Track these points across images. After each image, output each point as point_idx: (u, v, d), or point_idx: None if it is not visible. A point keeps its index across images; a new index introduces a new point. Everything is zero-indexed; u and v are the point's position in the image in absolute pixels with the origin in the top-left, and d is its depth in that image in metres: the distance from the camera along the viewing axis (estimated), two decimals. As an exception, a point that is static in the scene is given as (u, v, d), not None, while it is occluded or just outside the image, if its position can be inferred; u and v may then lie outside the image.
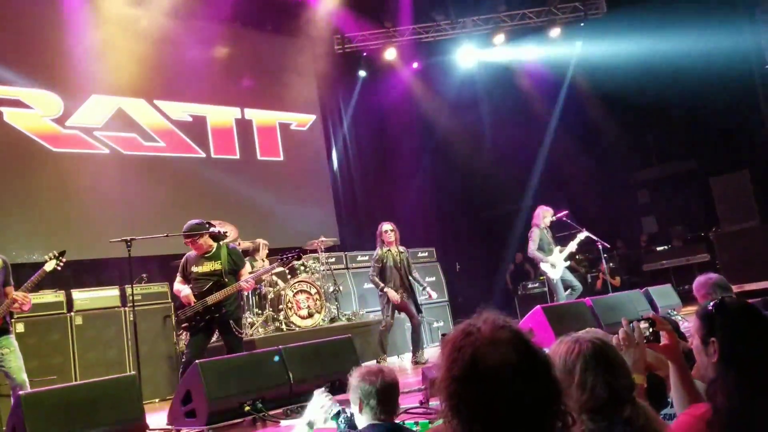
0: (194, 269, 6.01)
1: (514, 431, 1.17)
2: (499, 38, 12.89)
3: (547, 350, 1.43)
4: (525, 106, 13.19)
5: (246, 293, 8.19)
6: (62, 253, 5.48)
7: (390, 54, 12.82)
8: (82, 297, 7.76)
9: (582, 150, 12.56)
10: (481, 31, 12.88)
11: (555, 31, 12.92)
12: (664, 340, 2.45)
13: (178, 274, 6.19)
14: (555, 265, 8.56)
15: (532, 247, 8.62)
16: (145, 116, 10.30)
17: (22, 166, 8.90)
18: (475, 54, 13.14)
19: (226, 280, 5.95)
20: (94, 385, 4.75)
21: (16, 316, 6.78)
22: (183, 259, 6.22)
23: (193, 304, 5.89)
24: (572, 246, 8.73)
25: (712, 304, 2.32)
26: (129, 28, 10.22)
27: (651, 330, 2.46)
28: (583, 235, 8.83)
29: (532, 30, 12.99)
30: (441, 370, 1.26)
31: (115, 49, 9.96)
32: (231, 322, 5.99)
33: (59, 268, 5.51)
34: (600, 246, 8.85)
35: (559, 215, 9.04)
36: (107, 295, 7.92)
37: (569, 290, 8.63)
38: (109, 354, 7.50)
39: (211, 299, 5.88)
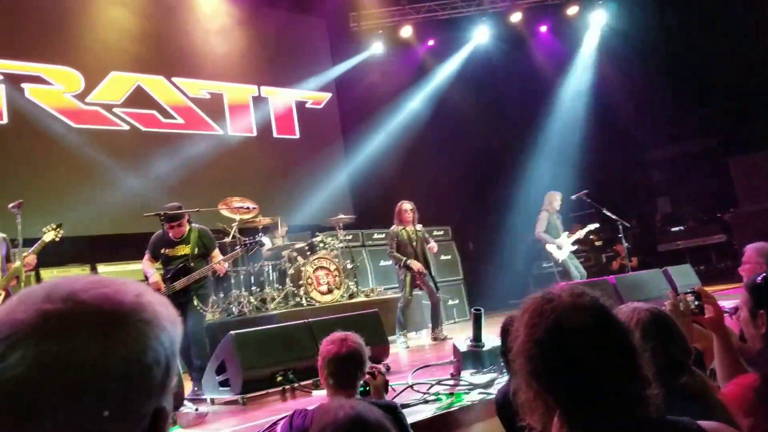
0: (166, 251, 5.82)
1: (594, 393, 1.22)
2: (516, 16, 12.83)
3: None
4: (541, 84, 13.16)
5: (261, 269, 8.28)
6: (59, 225, 5.71)
7: (406, 31, 12.79)
8: (107, 270, 7.88)
9: (596, 128, 12.54)
10: (497, 9, 12.82)
11: (573, 9, 12.87)
12: (708, 312, 2.51)
13: (147, 252, 5.97)
14: (561, 246, 8.81)
15: (539, 229, 8.92)
16: (164, 93, 10.34)
17: (44, 142, 8.97)
18: (491, 32, 13.08)
19: (193, 264, 5.79)
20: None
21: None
22: (154, 238, 5.98)
23: (162, 290, 5.60)
24: (581, 233, 8.94)
25: (760, 277, 2.39)
26: (148, 6, 10.24)
27: (696, 303, 2.53)
28: (593, 226, 9.03)
29: (550, 7, 12.92)
30: (520, 335, 1.31)
31: (134, 26, 10.02)
32: (195, 300, 5.80)
33: (57, 239, 5.72)
34: (620, 225, 8.89)
35: (578, 194, 9.10)
36: (131, 269, 8.03)
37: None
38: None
39: (179, 284, 5.72)
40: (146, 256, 6.01)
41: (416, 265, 7.88)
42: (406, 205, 8.18)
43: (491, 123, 13.11)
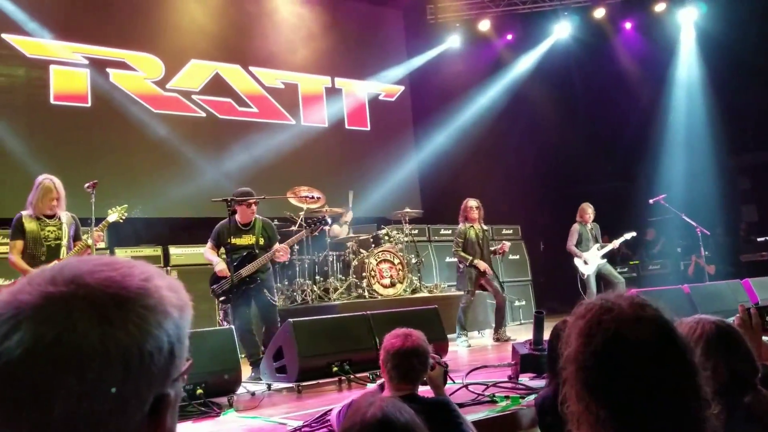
0: (232, 239, 5.96)
1: (651, 411, 1.14)
2: (599, 12, 12.40)
3: None
4: (624, 82, 12.67)
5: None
6: (124, 207, 5.90)
7: (484, 25, 12.58)
8: (178, 252, 8.11)
9: (683, 130, 11.98)
10: (580, 4, 12.43)
11: (660, 6, 12.33)
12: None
13: (211, 241, 6.20)
14: (588, 261, 8.74)
15: (569, 243, 8.91)
16: (240, 82, 10.55)
17: (125, 125, 9.30)
18: (572, 27, 12.70)
19: (258, 252, 6.01)
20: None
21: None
22: (219, 227, 6.17)
23: (228, 277, 5.89)
24: (615, 244, 8.84)
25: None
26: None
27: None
28: (629, 235, 8.79)
29: (636, 3, 12.42)
30: (573, 343, 1.23)
31: (214, 15, 10.25)
32: (265, 290, 6.03)
33: (122, 220, 5.90)
34: (699, 232, 8.47)
35: (655, 198, 8.74)
36: (201, 252, 8.21)
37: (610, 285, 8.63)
38: (201, 307, 7.80)
39: (245, 271, 5.91)
40: (209, 245, 6.25)
41: (482, 264, 7.75)
42: (472, 203, 8.05)
43: (568, 121, 12.74)
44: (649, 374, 1.15)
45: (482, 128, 12.46)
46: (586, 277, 8.80)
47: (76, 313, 0.64)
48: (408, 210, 9.38)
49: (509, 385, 4.43)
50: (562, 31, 12.75)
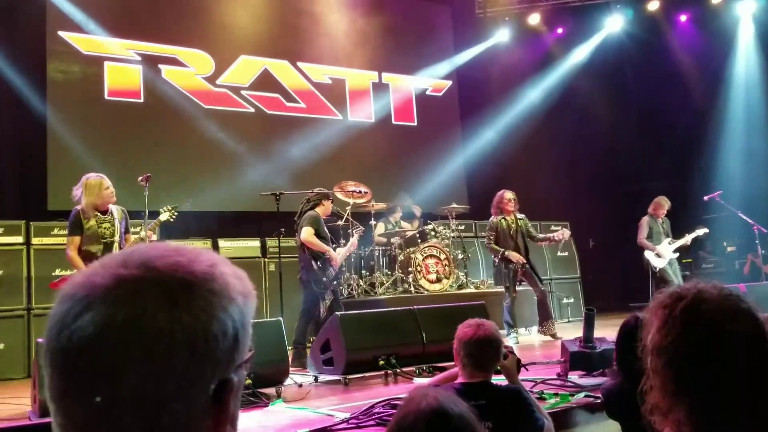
0: (326, 232, 6.43)
1: (744, 407, 1.09)
2: (653, 4, 12.08)
3: None
4: (675, 78, 12.32)
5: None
6: (175, 207, 6.03)
7: (533, 19, 12.39)
8: (227, 245, 8.24)
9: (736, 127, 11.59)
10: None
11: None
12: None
13: (313, 228, 6.45)
14: (661, 254, 8.42)
15: (640, 236, 8.59)
16: (288, 77, 10.63)
17: (176, 121, 9.48)
18: (624, 20, 12.40)
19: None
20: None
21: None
22: (317, 216, 6.56)
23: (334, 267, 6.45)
24: (687, 239, 8.51)
25: None
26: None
27: None
28: (701, 231, 8.41)
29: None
30: (666, 333, 1.16)
31: (263, 12, 10.35)
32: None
33: (172, 219, 6.04)
34: (756, 230, 8.18)
35: (710, 195, 8.48)
36: (249, 245, 8.35)
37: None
38: (249, 301, 7.89)
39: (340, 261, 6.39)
40: (313, 232, 6.42)
41: (515, 256, 7.57)
42: (508, 194, 7.84)
43: (620, 116, 12.46)
44: (749, 369, 1.09)
45: (531, 124, 12.29)
46: (658, 270, 8.48)
47: (146, 295, 0.67)
48: (455, 205, 9.31)
49: (558, 382, 4.36)
50: (614, 24, 12.46)
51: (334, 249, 6.60)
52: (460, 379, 2.72)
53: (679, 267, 8.82)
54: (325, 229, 6.48)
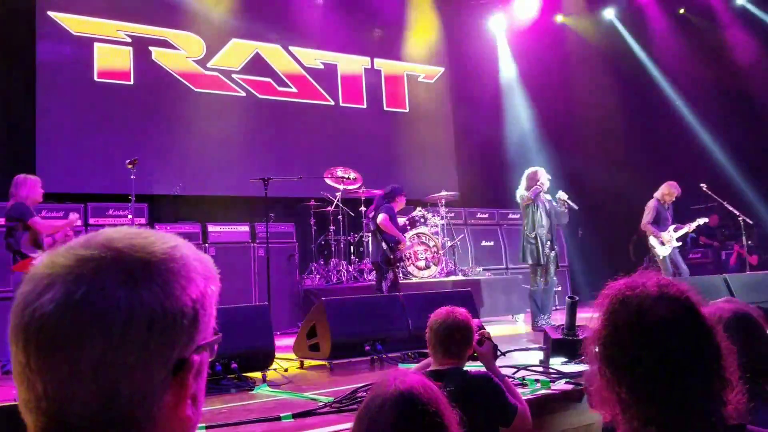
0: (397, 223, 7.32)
1: (671, 388, 1.15)
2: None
3: None
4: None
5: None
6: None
7: (526, 5, 12.33)
8: (216, 230, 8.24)
9: (727, 120, 11.64)
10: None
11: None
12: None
13: (389, 217, 7.13)
14: (665, 243, 8.14)
15: (645, 219, 8.24)
16: (280, 62, 10.58)
17: (166, 104, 9.44)
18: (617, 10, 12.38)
19: None
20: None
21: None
22: (393, 209, 7.30)
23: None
24: (689, 227, 8.26)
25: None
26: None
27: None
28: (702, 220, 8.30)
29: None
30: (599, 321, 1.24)
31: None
32: None
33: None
34: (741, 220, 8.24)
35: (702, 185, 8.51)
36: (238, 230, 8.35)
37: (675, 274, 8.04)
38: (236, 285, 7.92)
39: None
40: (388, 218, 7.16)
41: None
42: (547, 175, 7.45)
43: (614, 104, 12.48)
44: (670, 351, 1.14)
45: (522, 112, 12.31)
46: (661, 259, 8.15)
47: (105, 273, 0.69)
48: (444, 193, 9.34)
49: (540, 369, 4.41)
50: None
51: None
52: (431, 366, 2.76)
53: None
54: (397, 221, 7.31)
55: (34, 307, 0.68)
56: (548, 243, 7.33)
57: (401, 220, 8.59)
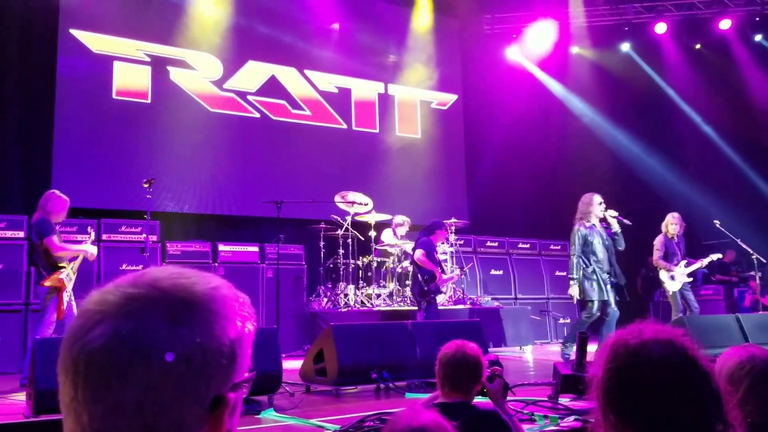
0: (436, 258, 7.59)
1: (671, 428, 1.17)
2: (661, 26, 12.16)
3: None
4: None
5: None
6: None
7: (541, 36, 12.43)
8: (226, 249, 8.26)
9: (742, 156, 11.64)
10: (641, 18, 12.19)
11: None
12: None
13: (425, 253, 7.33)
14: (675, 277, 7.92)
15: (657, 255, 8.01)
16: (295, 85, 10.68)
17: (181, 123, 9.51)
18: (633, 43, 12.44)
19: None
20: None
21: (166, 262, 7.43)
22: (431, 243, 7.48)
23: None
24: (702, 263, 8.06)
25: None
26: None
27: None
28: (715, 256, 8.15)
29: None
30: (601, 367, 1.27)
31: (273, 18, 10.37)
32: None
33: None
34: (755, 258, 8.18)
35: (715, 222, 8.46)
36: (248, 250, 8.38)
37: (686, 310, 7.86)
38: (244, 306, 7.90)
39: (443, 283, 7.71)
40: (424, 253, 7.35)
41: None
42: (600, 198, 7.09)
43: (623, 133, 12.50)
44: (667, 393, 1.17)
45: (533, 141, 12.34)
46: (671, 294, 7.95)
47: (150, 311, 0.73)
48: (454, 220, 9.33)
49: (549, 404, 4.37)
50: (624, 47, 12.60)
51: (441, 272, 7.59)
52: (439, 399, 2.73)
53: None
54: (435, 254, 7.54)
55: (84, 341, 0.72)
56: (606, 277, 6.90)
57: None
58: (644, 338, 1.23)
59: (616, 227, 7.01)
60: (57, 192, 5.96)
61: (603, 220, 7.01)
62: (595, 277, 6.84)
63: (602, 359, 1.26)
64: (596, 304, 6.82)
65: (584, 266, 6.88)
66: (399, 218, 8.95)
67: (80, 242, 6.27)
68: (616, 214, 7.03)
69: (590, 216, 6.98)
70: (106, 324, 0.72)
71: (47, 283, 5.73)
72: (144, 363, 0.71)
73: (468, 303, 8.97)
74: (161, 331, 0.72)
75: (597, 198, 7.02)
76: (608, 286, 6.88)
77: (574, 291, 6.91)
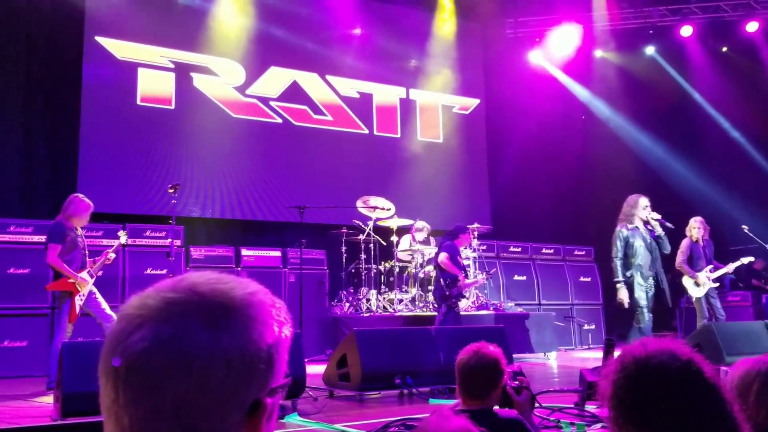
0: (460, 262, 7.57)
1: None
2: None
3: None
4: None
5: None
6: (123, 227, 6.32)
7: (563, 39, 12.35)
8: (249, 254, 8.29)
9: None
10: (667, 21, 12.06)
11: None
12: None
13: (449, 256, 7.36)
14: (700, 283, 7.69)
15: (680, 259, 7.79)
16: (317, 90, 10.70)
17: (205, 129, 9.58)
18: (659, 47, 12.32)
19: None
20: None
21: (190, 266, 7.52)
22: (455, 247, 7.54)
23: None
24: (729, 268, 7.84)
25: None
26: (312, 4, 10.65)
27: None
28: (746, 259, 7.95)
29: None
30: (612, 380, 1.30)
31: (295, 24, 10.40)
32: None
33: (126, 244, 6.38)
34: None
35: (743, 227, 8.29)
36: (271, 255, 8.40)
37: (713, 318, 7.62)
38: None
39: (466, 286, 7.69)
40: (448, 256, 7.40)
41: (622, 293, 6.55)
42: (647, 201, 6.74)
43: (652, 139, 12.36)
44: (669, 400, 1.19)
45: (556, 146, 12.25)
46: (695, 300, 7.75)
47: (190, 316, 0.74)
48: (477, 225, 9.27)
49: (575, 411, 4.30)
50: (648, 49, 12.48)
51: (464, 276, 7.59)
52: (459, 406, 2.64)
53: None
54: (459, 259, 7.55)
55: (124, 345, 0.73)
56: (650, 281, 6.58)
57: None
58: (649, 350, 1.26)
59: (659, 230, 6.71)
60: (80, 196, 5.99)
61: (646, 222, 6.74)
62: (636, 281, 6.54)
63: (614, 371, 1.28)
64: (645, 310, 6.48)
65: (624, 269, 6.58)
66: (419, 223, 8.93)
67: (107, 247, 6.28)
68: (658, 216, 6.74)
69: (633, 218, 6.68)
70: (146, 328, 0.73)
71: (50, 288, 5.86)
72: (183, 367, 0.71)
73: (491, 309, 8.89)
74: (200, 336, 0.73)
75: (643, 200, 6.72)
76: (649, 292, 6.57)
77: (623, 294, 6.53)
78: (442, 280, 7.46)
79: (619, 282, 6.54)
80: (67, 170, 8.60)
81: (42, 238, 7.35)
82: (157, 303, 0.75)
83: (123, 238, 6.28)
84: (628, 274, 6.53)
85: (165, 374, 0.71)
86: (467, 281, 7.73)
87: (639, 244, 6.55)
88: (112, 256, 6.06)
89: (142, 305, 0.75)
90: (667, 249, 6.75)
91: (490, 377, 2.62)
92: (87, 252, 6.01)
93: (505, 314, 8.77)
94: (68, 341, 4.94)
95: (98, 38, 9.01)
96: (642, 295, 6.49)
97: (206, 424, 0.72)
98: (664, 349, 1.26)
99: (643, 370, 1.24)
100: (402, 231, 9.13)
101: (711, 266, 7.79)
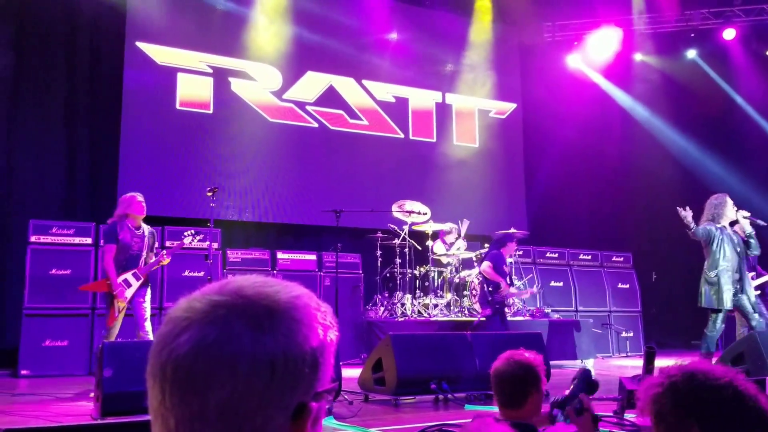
0: (504, 270, 7.65)
1: None
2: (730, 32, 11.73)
3: None
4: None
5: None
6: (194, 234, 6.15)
7: (602, 42, 12.17)
8: (285, 257, 8.34)
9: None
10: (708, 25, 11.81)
11: None
12: None
13: (492, 265, 7.51)
14: None
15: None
16: (353, 95, 10.74)
17: (242, 133, 9.69)
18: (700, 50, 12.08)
19: None
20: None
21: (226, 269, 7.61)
22: (500, 256, 7.67)
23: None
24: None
25: None
26: (348, 10, 10.70)
27: None
28: None
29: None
30: (650, 390, 1.31)
31: (331, 30, 10.45)
32: None
33: (193, 244, 6.22)
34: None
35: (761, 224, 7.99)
36: (306, 258, 8.44)
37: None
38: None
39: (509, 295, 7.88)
40: (491, 265, 7.56)
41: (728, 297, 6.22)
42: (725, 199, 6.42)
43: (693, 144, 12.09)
44: (714, 425, 1.21)
45: (594, 151, 12.06)
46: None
47: (235, 319, 0.74)
48: (514, 230, 9.16)
49: (614, 419, 4.22)
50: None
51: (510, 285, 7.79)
52: (497, 416, 2.53)
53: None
54: (504, 268, 7.64)
55: (171, 347, 0.74)
56: (736, 283, 6.29)
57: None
58: (691, 369, 1.28)
59: (749, 229, 6.40)
60: (129, 194, 5.93)
61: (733, 223, 6.44)
62: (720, 283, 6.22)
63: (653, 383, 1.30)
64: (721, 316, 6.23)
65: (707, 270, 6.28)
66: (446, 226, 8.89)
67: (166, 249, 6.34)
68: (748, 214, 6.45)
69: (721, 218, 6.36)
70: (192, 330, 0.73)
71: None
72: (229, 369, 0.71)
73: (527, 315, 8.79)
74: (244, 338, 0.73)
75: (730, 200, 6.43)
76: (730, 295, 6.24)
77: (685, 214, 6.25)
78: (485, 286, 7.61)
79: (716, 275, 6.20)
80: (108, 174, 8.77)
81: (83, 240, 7.53)
82: (204, 306, 0.76)
83: (188, 239, 6.12)
84: (712, 274, 6.23)
85: (209, 376, 0.71)
86: (511, 290, 7.84)
87: (727, 245, 6.25)
88: (166, 260, 5.98)
89: (189, 308, 0.76)
90: (758, 250, 6.42)
91: (525, 384, 2.53)
92: (145, 253, 5.86)
93: (556, 321, 8.69)
94: (108, 342, 5.01)
95: (139, 44, 9.18)
96: (728, 297, 6.18)
97: (250, 427, 0.71)
98: (707, 369, 1.27)
99: (683, 389, 1.24)
100: (437, 236, 9.08)
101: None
